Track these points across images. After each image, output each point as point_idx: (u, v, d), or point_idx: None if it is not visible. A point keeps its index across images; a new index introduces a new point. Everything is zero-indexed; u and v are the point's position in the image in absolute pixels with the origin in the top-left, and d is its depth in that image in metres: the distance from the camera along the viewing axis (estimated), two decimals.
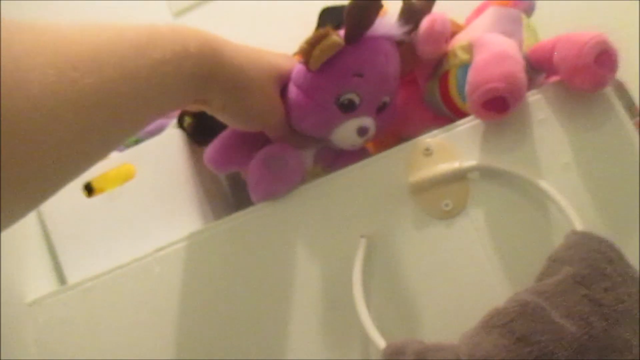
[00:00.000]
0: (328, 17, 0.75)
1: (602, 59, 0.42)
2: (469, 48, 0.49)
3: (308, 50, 0.45)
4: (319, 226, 0.49)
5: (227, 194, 0.67)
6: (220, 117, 0.48)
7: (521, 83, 0.43)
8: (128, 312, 0.51)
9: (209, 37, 0.42)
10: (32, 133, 0.28)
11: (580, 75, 0.43)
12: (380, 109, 0.51)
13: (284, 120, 0.50)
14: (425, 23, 0.50)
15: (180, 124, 0.61)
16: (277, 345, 0.47)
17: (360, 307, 0.43)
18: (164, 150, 0.59)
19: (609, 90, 0.46)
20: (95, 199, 0.60)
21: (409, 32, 0.50)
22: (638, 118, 0.49)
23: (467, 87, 0.45)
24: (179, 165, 0.58)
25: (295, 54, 0.65)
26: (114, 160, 0.60)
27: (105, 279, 0.52)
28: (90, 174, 0.59)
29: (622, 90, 0.55)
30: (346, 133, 0.50)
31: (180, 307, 0.50)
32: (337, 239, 0.48)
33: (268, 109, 0.48)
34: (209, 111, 0.47)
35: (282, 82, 0.50)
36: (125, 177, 0.59)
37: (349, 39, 0.46)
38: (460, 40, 0.52)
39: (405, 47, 0.52)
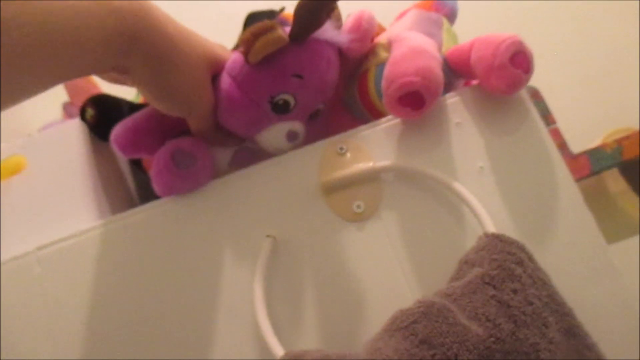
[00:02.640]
0: (254, 22, 0.73)
1: (517, 59, 0.42)
2: (388, 46, 0.48)
3: (250, 41, 0.41)
4: (224, 224, 0.45)
5: (133, 194, 0.62)
6: (142, 93, 0.42)
7: (437, 78, 0.41)
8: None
9: None
10: None
11: (495, 75, 0.42)
12: (313, 117, 0.49)
13: (210, 111, 0.45)
14: (352, 19, 0.48)
15: (82, 115, 0.56)
16: (168, 351, 0.42)
17: (259, 311, 0.40)
18: (61, 142, 0.53)
19: (524, 95, 0.45)
20: None
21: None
22: (553, 126, 0.49)
23: (382, 83, 0.43)
24: (76, 159, 0.53)
25: (234, 47, 0.62)
26: (2, 151, 0.54)
27: None
28: None
29: (537, 98, 0.55)
30: (275, 135, 0.47)
31: (62, 314, 0.44)
32: (242, 238, 0.44)
33: (196, 92, 0.43)
34: (130, 84, 0.41)
35: (215, 69, 0.45)
36: (14, 169, 0.53)
37: (295, 37, 0.43)
38: (380, 39, 0.50)
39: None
